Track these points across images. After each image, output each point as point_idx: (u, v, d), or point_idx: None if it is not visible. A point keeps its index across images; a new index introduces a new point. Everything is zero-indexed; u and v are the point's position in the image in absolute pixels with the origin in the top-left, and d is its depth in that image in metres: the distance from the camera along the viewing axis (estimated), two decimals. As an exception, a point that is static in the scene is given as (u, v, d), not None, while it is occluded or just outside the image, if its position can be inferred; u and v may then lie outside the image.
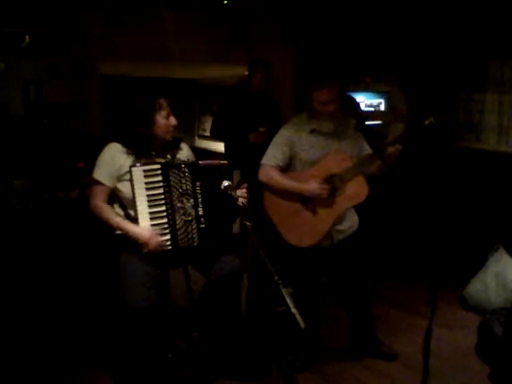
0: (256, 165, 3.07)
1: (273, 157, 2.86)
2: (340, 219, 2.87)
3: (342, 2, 4.88)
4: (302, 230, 2.82)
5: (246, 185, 2.61)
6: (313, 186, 2.75)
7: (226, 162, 2.66)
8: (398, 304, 3.84)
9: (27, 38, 4.14)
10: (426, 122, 2.61)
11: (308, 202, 2.82)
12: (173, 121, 2.59)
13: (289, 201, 2.84)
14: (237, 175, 2.62)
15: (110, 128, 3.26)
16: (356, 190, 2.76)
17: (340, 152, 2.81)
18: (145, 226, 2.45)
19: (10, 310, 3.33)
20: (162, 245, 2.47)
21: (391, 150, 2.69)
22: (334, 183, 2.78)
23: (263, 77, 4.18)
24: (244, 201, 2.50)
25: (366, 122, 4.11)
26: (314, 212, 2.82)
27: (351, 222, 2.96)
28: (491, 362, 2.95)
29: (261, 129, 4.08)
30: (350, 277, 2.99)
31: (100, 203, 2.55)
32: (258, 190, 2.96)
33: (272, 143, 2.92)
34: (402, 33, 4.67)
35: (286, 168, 2.89)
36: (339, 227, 2.89)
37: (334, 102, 2.76)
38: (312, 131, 2.84)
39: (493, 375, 2.83)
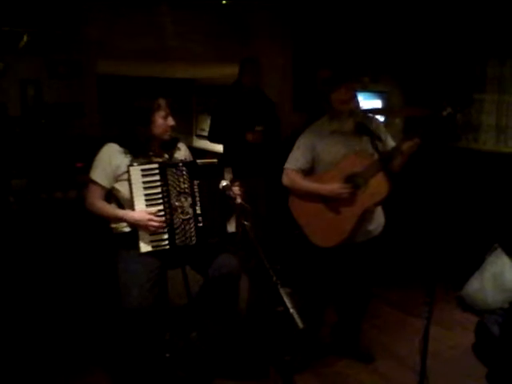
0: (253, 164, 3.04)
1: (295, 160, 2.88)
2: (370, 218, 2.86)
3: (341, 1, 4.89)
4: (327, 230, 2.83)
5: (238, 183, 2.60)
6: (333, 187, 2.76)
7: (216, 160, 2.63)
8: (396, 304, 3.84)
9: (25, 38, 4.13)
10: (444, 113, 2.57)
11: (331, 202, 2.82)
12: (171, 121, 2.59)
13: (312, 202, 2.85)
14: (227, 173, 2.60)
15: (108, 128, 3.26)
16: (377, 187, 2.75)
17: (359, 151, 2.81)
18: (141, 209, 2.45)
19: (9, 310, 3.32)
20: (161, 225, 2.46)
21: (408, 144, 2.67)
22: (356, 182, 2.78)
23: (251, 72, 4.20)
24: (240, 199, 2.50)
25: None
26: (337, 212, 2.82)
27: (376, 225, 2.94)
28: (488, 362, 2.96)
29: (257, 128, 4.10)
30: (362, 277, 2.99)
31: (95, 201, 2.55)
32: (254, 189, 2.94)
33: (294, 148, 2.93)
34: (401, 33, 4.67)
35: (309, 171, 2.89)
36: (368, 226, 2.88)
37: (353, 99, 2.80)
38: (333, 132, 2.85)
39: (490, 375, 2.84)
